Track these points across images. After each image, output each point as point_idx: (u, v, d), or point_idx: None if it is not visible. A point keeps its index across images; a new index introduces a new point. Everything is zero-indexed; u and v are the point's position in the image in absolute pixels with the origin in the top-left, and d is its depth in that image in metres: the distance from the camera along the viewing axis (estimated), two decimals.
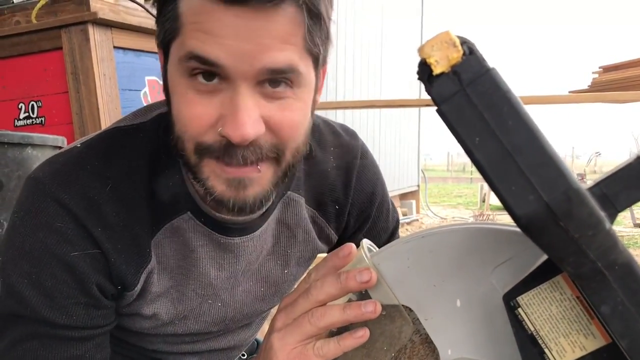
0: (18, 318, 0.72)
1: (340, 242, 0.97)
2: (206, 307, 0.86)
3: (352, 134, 0.96)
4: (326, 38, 0.69)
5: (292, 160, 0.71)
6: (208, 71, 0.63)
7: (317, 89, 0.74)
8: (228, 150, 0.65)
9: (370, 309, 0.61)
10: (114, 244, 0.73)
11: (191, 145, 0.67)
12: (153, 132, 0.78)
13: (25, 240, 0.70)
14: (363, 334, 0.62)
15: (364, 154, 0.95)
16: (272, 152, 0.68)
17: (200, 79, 0.63)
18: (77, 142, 0.78)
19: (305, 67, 0.66)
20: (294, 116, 0.67)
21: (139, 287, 0.78)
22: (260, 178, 0.69)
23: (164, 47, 0.68)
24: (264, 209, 0.83)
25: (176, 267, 0.81)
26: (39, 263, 0.70)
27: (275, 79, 0.64)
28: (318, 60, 0.69)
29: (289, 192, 0.87)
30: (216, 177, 0.68)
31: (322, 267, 0.64)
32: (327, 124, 0.94)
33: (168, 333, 0.88)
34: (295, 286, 0.68)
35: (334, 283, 0.61)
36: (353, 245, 0.63)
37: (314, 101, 0.74)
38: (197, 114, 0.64)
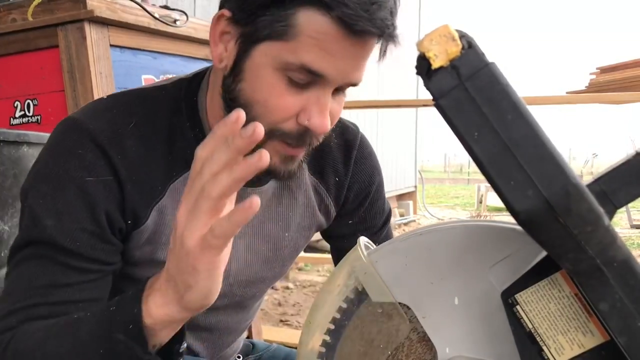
0: (29, 243, 0.76)
1: (341, 219, 1.03)
2: None
3: (353, 123, 1.05)
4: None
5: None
6: (310, 80, 0.74)
7: None
8: (300, 137, 0.77)
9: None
10: (130, 172, 0.79)
11: (265, 128, 0.72)
12: (174, 91, 0.87)
13: (47, 164, 0.78)
14: (251, 203, 0.57)
15: (363, 139, 1.03)
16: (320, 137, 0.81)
17: (296, 79, 0.74)
18: (103, 96, 0.87)
19: None
20: (340, 109, 0.82)
21: (149, 222, 0.83)
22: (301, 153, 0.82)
23: (253, 37, 0.74)
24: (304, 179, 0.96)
25: None
26: (55, 185, 0.76)
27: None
28: None
29: None
30: (275, 153, 0.78)
31: (210, 139, 0.61)
32: None
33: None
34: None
35: (223, 149, 0.59)
36: (242, 110, 0.60)
37: None
38: (285, 105, 0.75)
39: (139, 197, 0.81)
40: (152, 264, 0.86)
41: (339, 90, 0.78)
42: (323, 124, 0.75)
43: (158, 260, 0.86)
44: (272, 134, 0.76)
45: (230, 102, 0.78)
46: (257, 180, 0.88)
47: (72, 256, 0.76)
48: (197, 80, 0.88)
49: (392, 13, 0.73)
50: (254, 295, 1.02)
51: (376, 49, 0.78)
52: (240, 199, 0.85)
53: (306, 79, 0.73)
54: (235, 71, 0.78)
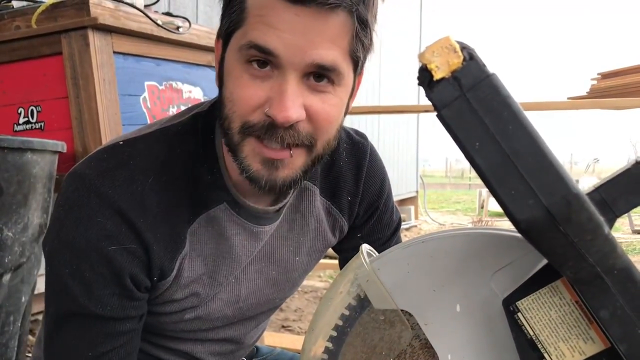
0: (65, 313, 0.79)
1: (350, 233, 1.03)
2: (225, 284, 0.90)
3: (363, 135, 1.05)
4: (368, 46, 0.76)
5: (322, 152, 0.79)
6: (263, 59, 0.71)
7: (353, 94, 0.82)
8: (269, 130, 0.72)
9: None
10: (154, 232, 0.78)
11: (237, 124, 0.74)
12: (191, 128, 0.85)
13: (68, 232, 0.76)
14: None
15: (373, 153, 1.03)
16: (307, 140, 0.75)
17: (255, 65, 0.72)
18: (118, 140, 0.84)
19: (347, 69, 0.74)
20: (330, 109, 0.75)
21: (174, 273, 0.83)
22: (292, 162, 0.76)
23: (225, 37, 0.76)
24: (293, 193, 0.90)
25: (210, 255, 0.86)
26: (79, 254, 0.76)
27: (320, 74, 0.72)
28: (358, 65, 0.77)
29: (305, 182, 0.92)
30: (254, 156, 0.75)
31: None
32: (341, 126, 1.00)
33: (187, 318, 0.90)
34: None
35: None
36: None
37: (348, 105, 0.82)
38: (248, 95, 0.72)
39: (164, 252, 0.80)
40: (170, 302, 0.87)
41: (312, 79, 0.72)
42: (283, 111, 0.70)
43: (175, 299, 0.86)
44: (244, 130, 0.74)
45: (219, 111, 0.78)
46: (273, 202, 0.88)
47: (105, 320, 0.78)
48: (213, 112, 0.85)
49: None
50: (264, 312, 1.03)
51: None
52: (250, 234, 0.87)
53: (260, 57, 0.70)
54: (220, 80, 0.79)
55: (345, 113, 0.82)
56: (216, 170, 0.83)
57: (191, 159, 0.82)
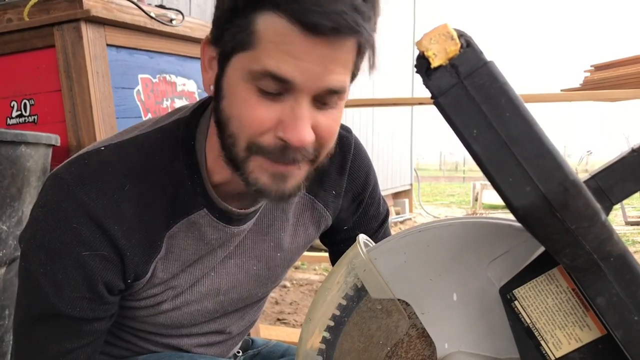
0: (36, 312, 0.81)
1: (337, 226, 1.03)
2: (203, 279, 0.91)
3: (347, 129, 1.04)
4: (363, 59, 0.78)
5: (323, 160, 0.80)
6: (277, 90, 0.71)
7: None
8: (282, 152, 0.73)
9: None
10: (129, 239, 0.79)
11: (244, 143, 0.74)
12: (173, 134, 0.85)
13: (44, 234, 0.78)
14: None
15: (357, 146, 1.02)
16: (312, 155, 0.76)
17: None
18: (100, 144, 0.84)
19: (348, 84, 0.76)
20: (334, 124, 0.77)
21: (149, 275, 0.84)
22: (298, 174, 0.77)
23: (226, 53, 0.74)
24: (295, 199, 0.93)
25: (188, 258, 0.87)
26: (53, 256, 0.78)
27: (330, 95, 0.73)
28: (354, 77, 0.79)
29: None
30: (262, 171, 0.75)
31: None
32: None
33: (166, 309, 0.91)
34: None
35: None
36: None
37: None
38: (259, 117, 0.72)
39: (140, 257, 0.82)
40: (145, 299, 0.89)
41: (322, 102, 0.74)
42: (298, 136, 0.71)
43: (151, 294, 0.88)
44: (252, 150, 0.74)
45: (217, 123, 0.78)
46: (252, 202, 0.89)
47: (75, 320, 0.81)
48: (196, 118, 0.86)
49: (356, 8, 0.67)
50: (248, 305, 1.03)
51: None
52: (230, 235, 0.88)
53: (275, 86, 0.70)
54: (217, 91, 0.77)
55: None
56: (197, 177, 0.84)
57: (170, 165, 0.83)
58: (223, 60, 0.75)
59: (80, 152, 0.84)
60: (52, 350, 0.82)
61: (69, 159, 0.82)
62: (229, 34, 0.73)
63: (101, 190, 0.78)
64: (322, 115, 0.74)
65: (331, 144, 0.79)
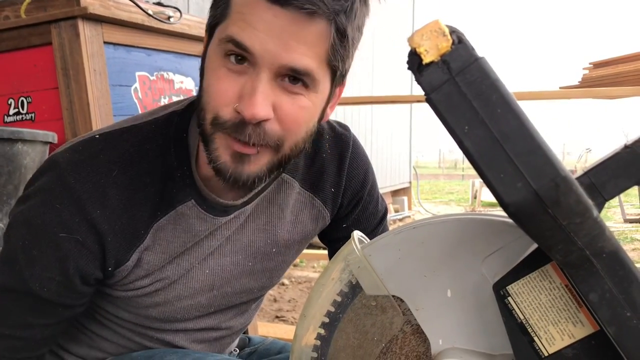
0: (6, 280, 0.82)
1: (335, 224, 1.04)
2: (194, 272, 0.92)
3: (345, 127, 1.05)
4: (347, 58, 0.78)
5: (289, 154, 0.80)
6: (240, 54, 0.72)
7: (331, 102, 0.84)
8: (238, 127, 0.74)
9: None
10: (111, 224, 0.81)
11: (210, 116, 0.76)
12: (165, 126, 0.86)
13: (29, 210, 0.80)
14: None
15: (355, 144, 1.03)
16: (273, 142, 0.76)
17: (232, 59, 0.73)
18: (96, 132, 0.86)
19: (322, 77, 0.76)
20: (300, 112, 0.76)
21: (130, 263, 0.85)
22: (258, 159, 0.77)
23: (210, 30, 0.78)
24: (256, 189, 0.91)
25: (175, 250, 0.88)
26: (33, 233, 0.80)
27: (295, 77, 0.74)
28: (336, 75, 0.79)
29: (283, 175, 0.94)
30: (224, 149, 0.76)
31: None
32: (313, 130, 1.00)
33: (157, 302, 0.91)
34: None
35: None
36: None
37: (324, 111, 0.84)
38: (223, 89, 0.74)
39: (121, 244, 0.83)
40: (133, 289, 0.89)
41: (288, 84, 0.74)
42: (251, 109, 0.71)
43: (138, 286, 0.89)
44: (215, 124, 0.75)
45: (198, 98, 0.80)
46: (244, 194, 0.89)
47: (40, 300, 0.82)
48: (190, 111, 0.87)
49: None
50: (243, 302, 1.03)
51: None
52: (218, 227, 0.88)
53: (236, 51, 0.72)
54: (202, 71, 0.80)
55: (320, 119, 0.83)
56: (186, 168, 0.85)
57: (161, 156, 0.84)
58: (209, 38, 0.79)
59: (77, 138, 0.86)
60: (13, 319, 0.83)
61: (66, 144, 0.85)
62: (213, 10, 0.77)
63: (89, 175, 0.80)
64: (288, 98, 0.74)
65: (297, 133, 0.78)
